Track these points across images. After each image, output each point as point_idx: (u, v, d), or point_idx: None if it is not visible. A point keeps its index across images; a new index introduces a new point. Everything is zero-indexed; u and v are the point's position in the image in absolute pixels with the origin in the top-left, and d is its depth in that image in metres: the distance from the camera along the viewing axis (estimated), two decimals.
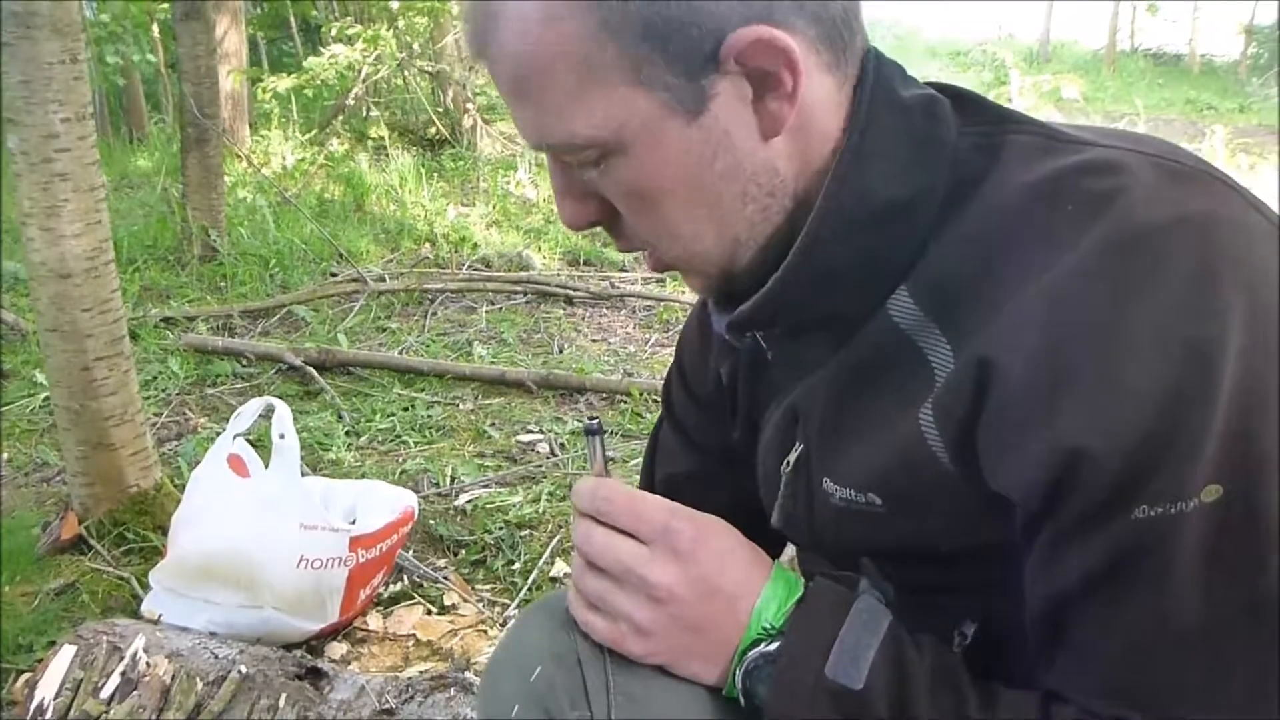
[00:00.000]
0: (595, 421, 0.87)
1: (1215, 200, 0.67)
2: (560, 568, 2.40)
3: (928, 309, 0.73)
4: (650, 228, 0.77)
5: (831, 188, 0.73)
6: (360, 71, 8.86)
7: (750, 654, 0.74)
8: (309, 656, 1.89)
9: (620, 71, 0.68)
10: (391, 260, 5.89)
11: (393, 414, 3.42)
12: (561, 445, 3.18)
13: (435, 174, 8.57)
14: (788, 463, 0.88)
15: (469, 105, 10.00)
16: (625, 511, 0.78)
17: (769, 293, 0.77)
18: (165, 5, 7.22)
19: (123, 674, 1.68)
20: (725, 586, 0.76)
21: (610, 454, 2.99)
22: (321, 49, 9.13)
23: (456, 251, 6.10)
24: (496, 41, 0.71)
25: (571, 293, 5.08)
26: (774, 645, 0.74)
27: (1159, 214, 0.65)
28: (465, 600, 2.26)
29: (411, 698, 1.75)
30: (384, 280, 5.14)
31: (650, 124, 0.70)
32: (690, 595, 0.75)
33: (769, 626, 0.74)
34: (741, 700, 0.76)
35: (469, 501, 2.72)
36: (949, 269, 0.72)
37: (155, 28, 9.90)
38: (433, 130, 9.93)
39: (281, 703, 1.69)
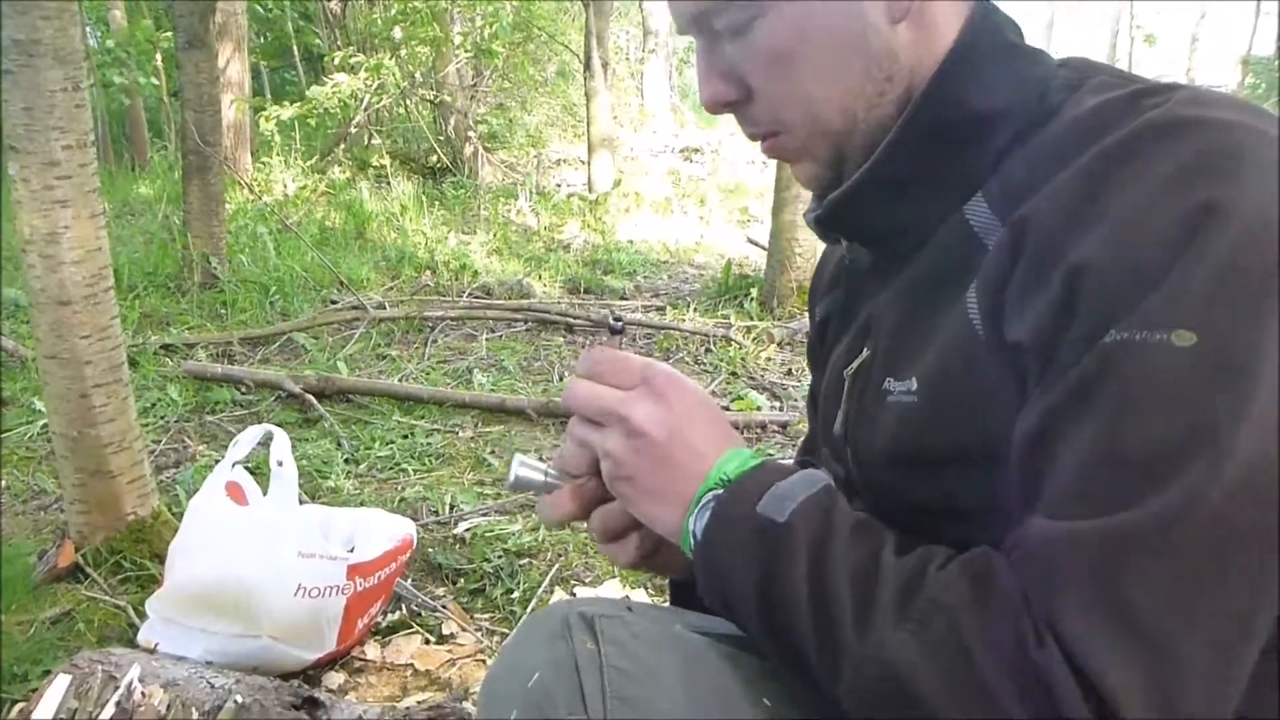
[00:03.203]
0: (620, 323, 0.96)
1: (1253, 117, 0.71)
2: (559, 596, 2.38)
3: (998, 211, 0.78)
4: (782, 95, 0.84)
5: (924, 95, 0.81)
6: (362, 100, 8.91)
7: (705, 498, 0.79)
8: (306, 686, 1.87)
9: None
10: (392, 288, 5.91)
11: (392, 442, 3.41)
12: None
13: (436, 202, 8.61)
14: (851, 367, 0.93)
15: (470, 134, 10.05)
16: (608, 364, 0.85)
17: (855, 183, 0.85)
18: (169, 33, 7.26)
19: (118, 704, 1.67)
20: (693, 437, 0.81)
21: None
22: (324, 78, 9.19)
23: (457, 279, 6.12)
24: None
25: (572, 320, 5.08)
26: (721, 493, 0.78)
27: (1196, 111, 0.70)
28: (464, 629, 2.25)
29: None
30: (384, 308, 5.15)
31: None
32: (660, 435, 0.80)
33: (725, 479, 0.79)
34: (692, 542, 0.79)
35: (468, 530, 2.71)
36: (1020, 174, 0.77)
37: (159, 56, 9.95)
38: (434, 158, 9.99)
39: None
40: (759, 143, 0.90)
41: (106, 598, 2.22)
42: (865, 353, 0.91)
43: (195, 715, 1.67)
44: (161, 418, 3.56)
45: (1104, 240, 0.66)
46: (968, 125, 0.81)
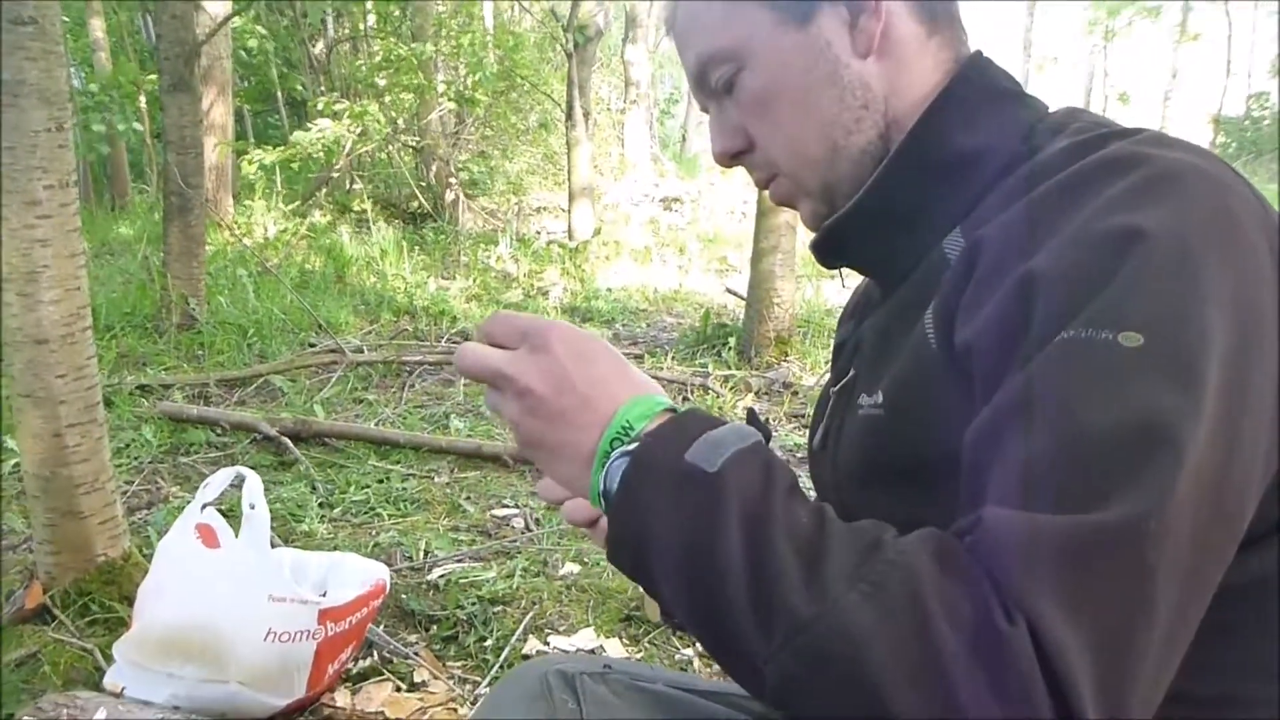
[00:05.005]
0: None
1: (1199, 157, 0.74)
2: (533, 645, 2.37)
3: (970, 240, 0.81)
4: (769, 134, 0.92)
5: (912, 133, 0.87)
6: (345, 145, 8.95)
7: (614, 454, 0.72)
8: None
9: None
10: (370, 332, 5.90)
11: (367, 486, 3.39)
12: (536, 520, 3.16)
13: (417, 247, 8.62)
14: (837, 386, 0.98)
15: (452, 180, 10.10)
16: (500, 325, 0.79)
17: (847, 212, 0.91)
18: (153, 76, 7.29)
19: None
20: (579, 383, 0.74)
21: None
22: (308, 123, 9.23)
23: (435, 324, 6.12)
24: (684, 9, 0.94)
25: None
26: (635, 445, 0.71)
27: (1148, 149, 0.74)
28: (436, 677, 2.23)
29: None
30: (362, 351, 5.14)
31: (768, 33, 0.88)
32: (544, 388, 0.74)
33: (627, 425, 0.73)
34: (601, 499, 0.73)
35: (442, 576, 2.69)
36: (991, 208, 0.81)
37: (143, 98, 9.98)
38: (415, 204, 10.03)
39: None
40: (767, 190, 0.97)
41: (74, 640, 2.19)
42: (852, 373, 0.96)
43: None
44: (135, 458, 3.53)
45: (1053, 252, 0.70)
46: (952, 162, 0.86)
